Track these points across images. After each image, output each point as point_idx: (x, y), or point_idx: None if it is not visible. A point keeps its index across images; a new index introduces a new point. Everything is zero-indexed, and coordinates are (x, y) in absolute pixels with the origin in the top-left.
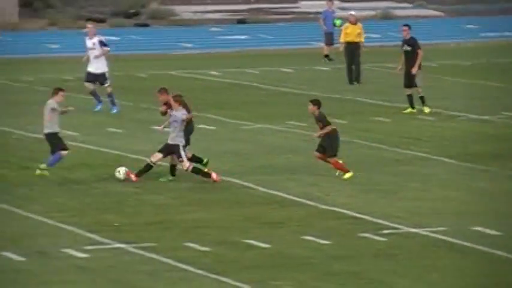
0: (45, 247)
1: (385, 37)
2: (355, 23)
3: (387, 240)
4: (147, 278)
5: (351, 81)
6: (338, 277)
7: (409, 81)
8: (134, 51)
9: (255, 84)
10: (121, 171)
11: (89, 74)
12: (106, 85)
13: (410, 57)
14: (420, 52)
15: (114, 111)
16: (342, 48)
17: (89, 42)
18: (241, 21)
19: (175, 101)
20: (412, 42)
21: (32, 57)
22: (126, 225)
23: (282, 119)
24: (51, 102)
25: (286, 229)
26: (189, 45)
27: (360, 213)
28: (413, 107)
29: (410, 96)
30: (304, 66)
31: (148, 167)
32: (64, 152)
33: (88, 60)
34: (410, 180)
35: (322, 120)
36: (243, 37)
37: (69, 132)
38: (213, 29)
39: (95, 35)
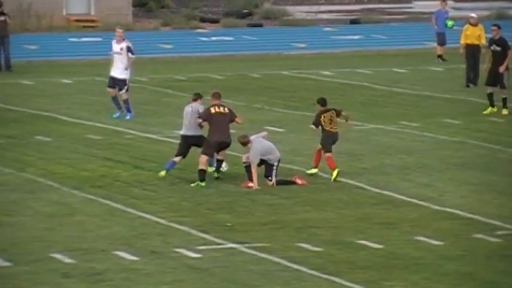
0: (158, 247)
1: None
2: (475, 25)
3: (501, 241)
4: (260, 277)
5: (468, 83)
6: (450, 278)
7: (493, 79)
8: (247, 51)
9: (367, 84)
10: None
11: (112, 78)
12: (122, 91)
13: (499, 57)
14: (510, 52)
15: (128, 117)
16: (462, 50)
17: (116, 47)
18: (354, 22)
19: None
20: (501, 42)
21: (146, 57)
22: (239, 225)
23: (395, 119)
24: (196, 106)
25: (399, 230)
26: (302, 45)
27: (473, 213)
28: (493, 106)
29: (491, 95)
30: (417, 67)
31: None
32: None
33: (112, 64)
34: None
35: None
36: (356, 37)
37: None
38: (326, 29)
39: (123, 40)
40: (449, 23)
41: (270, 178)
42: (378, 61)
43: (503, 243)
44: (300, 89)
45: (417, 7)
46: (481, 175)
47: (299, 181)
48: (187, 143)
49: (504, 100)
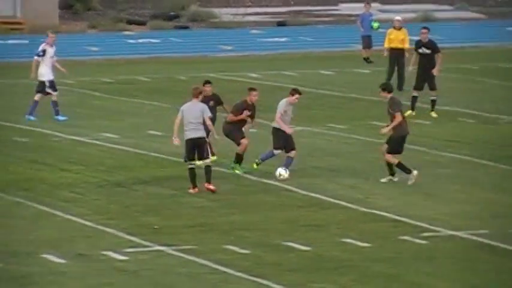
0: (86, 249)
1: None
2: (399, 29)
3: (427, 243)
4: (187, 280)
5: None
6: (378, 279)
7: (422, 83)
8: (174, 54)
9: (294, 86)
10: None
11: (43, 82)
12: (55, 93)
13: (428, 60)
14: (441, 55)
15: (61, 118)
16: (385, 53)
17: (50, 51)
18: (281, 24)
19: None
20: (431, 45)
21: (72, 60)
22: (166, 228)
23: (322, 121)
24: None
25: (326, 232)
26: (229, 47)
27: (400, 215)
28: (413, 110)
29: (415, 99)
30: (344, 69)
31: None
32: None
33: (41, 67)
34: (450, 183)
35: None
36: (283, 39)
37: (108, 135)
38: (253, 31)
39: (54, 43)
40: (375, 25)
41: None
42: (304, 63)
43: (430, 244)
44: (227, 91)
45: (344, 9)
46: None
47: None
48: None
49: (433, 102)
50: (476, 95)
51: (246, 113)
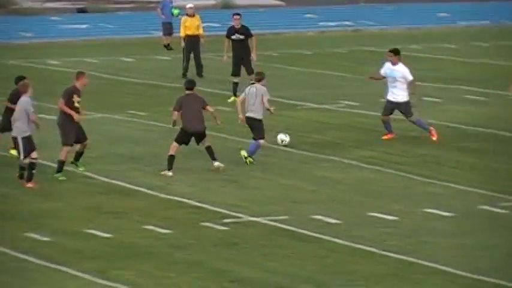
0: None
1: (225, 26)
2: (193, 16)
3: (228, 229)
4: None
5: (184, 75)
6: (180, 266)
7: (239, 70)
8: None
9: (94, 73)
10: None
11: None
12: None
13: (242, 46)
14: (255, 39)
15: None
16: (182, 42)
17: None
18: (81, 11)
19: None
20: (244, 31)
21: None
22: None
23: (123, 108)
24: (260, 87)
25: (128, 219)
26: (29, 34)
27: (201, 202)
28: (236, 95)
29: (237, 84)
30: (145, 56)
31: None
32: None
33: None
34: (251, 169)
35: None
36: (83, 26)
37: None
38: (53, 18)
39: None
40: (175, 11)
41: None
42: (105, 50)
43: (230, 231)
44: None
45: None
46: (209, 163)
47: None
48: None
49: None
50: (277, 81)
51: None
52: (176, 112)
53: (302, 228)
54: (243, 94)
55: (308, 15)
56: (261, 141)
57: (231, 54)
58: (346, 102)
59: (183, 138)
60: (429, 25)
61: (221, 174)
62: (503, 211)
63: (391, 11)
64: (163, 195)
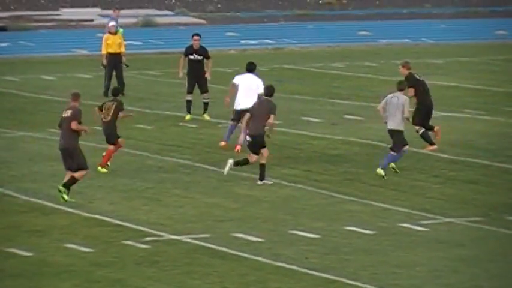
0: None
1: (146, 44)
2: (115, 33)
3: (150, 247)
4: None
5: (106, 93)
6: (101, 284)
7: (193, 88)
8: None
9: (15, 91)
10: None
11: None
12: None
13: (199, 66)
14: (211, 60)
15: None
16: (104, 60)
17: None
18: (1, 29)
19: None
20: (202, 52)
21: None
22: None
23: (44, 126)
24: (401, 96)
25: (48, 237)
26: None
27: (123, 220)
28: (190, 113)
29: (190, 103)
30: (66, 74)
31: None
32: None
33: None
34: (173, 187)
35: None
36: (3, 44)
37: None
38: None
39: None
40: (121, 30)
41: None
42: (26, 68)
43: (152, 249)
44: None
45: (65, 14)
46: (130, 181)
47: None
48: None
49: (206, 105)
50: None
51: None
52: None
53: (224, 246)
54: (383, 101)
55: (229, 34)
56: (406, 147)
57: (185, 71)
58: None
59: None
60: (350, 43)
61: (143, 192)
62: (423, 228)
63: (312, 29)
64: (84, 213)
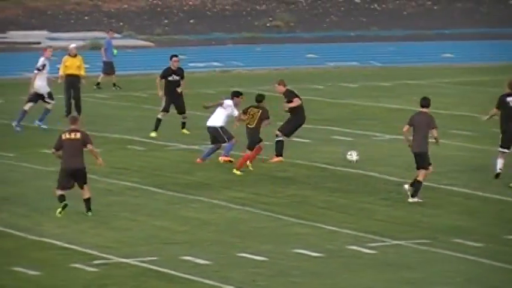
0: None
1: (93, 67)
2: (75, 56)
3: (98, 270)
4: None
5: (68, 113)
6: None
7: (169, 107)
8: None
9: None
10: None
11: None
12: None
13: (177, 86)
14: (185, 80)
15: None
16: (60, 80)
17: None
18: None
19: None
20: (180, 72)
21: None
22: None
23: None
24: None
25: None
26: None
27: (70, 243)
28: (156, 130)
29: (160, 121)
30: (13, 97)
31: None
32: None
33: None
34: (121, 210)
35: None
36: None
37: None
38: None
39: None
40: (115, 51)
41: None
42: None
43: (100, 272)
44: None
45: (13, 37)
46: (78, 205)
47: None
48: None
49: (184, 124)
50: (147, 122)
51: None
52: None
53: (171, 269)
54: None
55: (182, 56)
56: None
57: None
58: None
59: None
60: (297, 66)
61: (91, 216)
62: (371, 251)
63: (260, 52)
64: (32, 237)
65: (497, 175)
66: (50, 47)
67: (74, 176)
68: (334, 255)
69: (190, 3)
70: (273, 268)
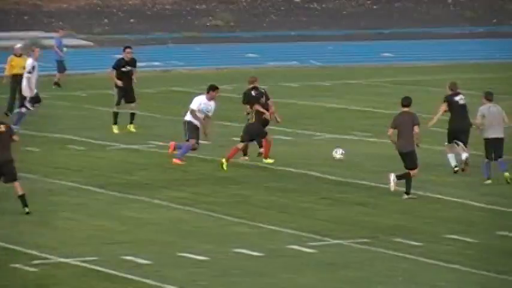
0: None
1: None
2: (20, 56)
3: (37, 270)
4: None
5: (8, 111)
6: None
7: (121, 100)
8: None
9: None
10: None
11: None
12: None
13: (129, 77)
14: (136, 71)
15: None
16: (5, 80)
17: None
18: None
19: None
20: (133, 63)
21: None
22: None
23: None
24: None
25: None
26: None
27: (10, 243)
28: (116, 124)
29: (117, 114)
30: None
31: None
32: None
33: None
34: (61, 210)
35: None
36: None
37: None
38: None
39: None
40: (65, 49)
41: None
42: None
43: (40, 272)
44: None
45: None
46: (18, 205)
47: None
48: (492, 146)
49: (133, 115)
50: (86, 122)
51: None
52: None
53: (112, 269)
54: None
55: (117, 56)
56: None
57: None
58: (156, 142)
59: None
60: (238, 65)
61: (31, 215)
62: (311, 250)
63: (200, 52)
64: None
65: (456, 172)
66: (37, 47)
67: (1, 168)
68: (274, 255)
69: (130, 2)
70: (213, 268)
